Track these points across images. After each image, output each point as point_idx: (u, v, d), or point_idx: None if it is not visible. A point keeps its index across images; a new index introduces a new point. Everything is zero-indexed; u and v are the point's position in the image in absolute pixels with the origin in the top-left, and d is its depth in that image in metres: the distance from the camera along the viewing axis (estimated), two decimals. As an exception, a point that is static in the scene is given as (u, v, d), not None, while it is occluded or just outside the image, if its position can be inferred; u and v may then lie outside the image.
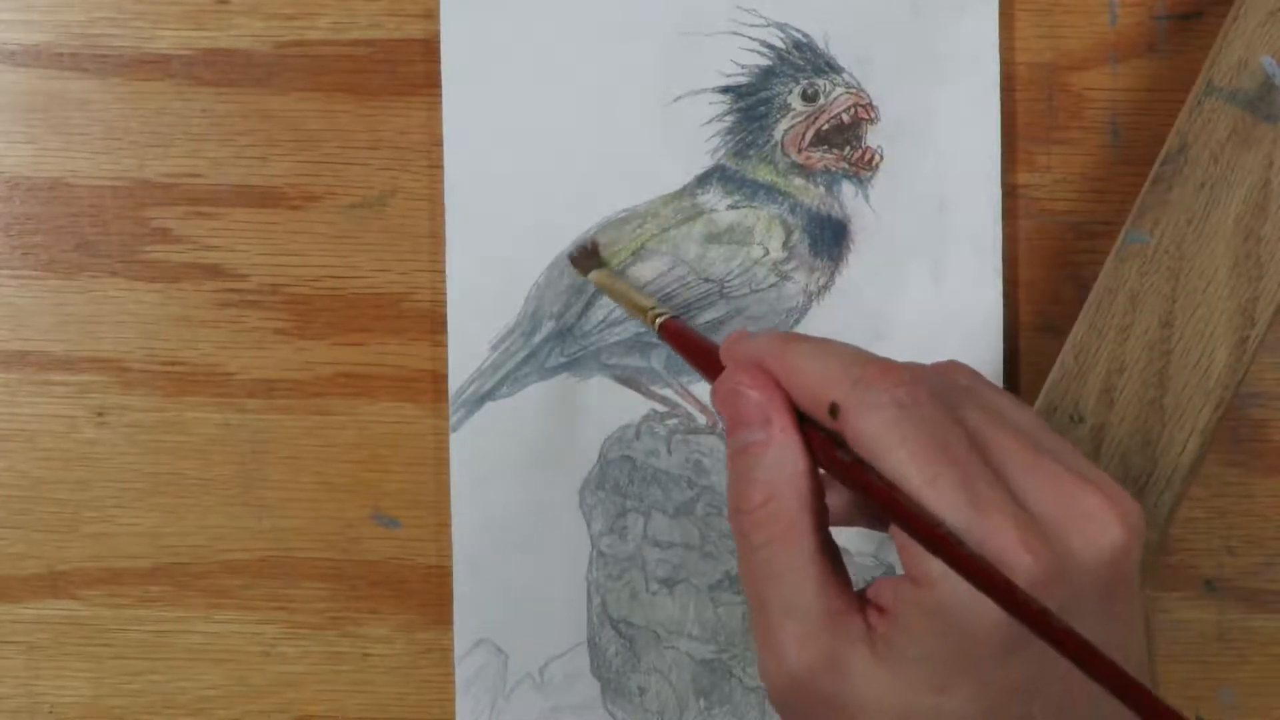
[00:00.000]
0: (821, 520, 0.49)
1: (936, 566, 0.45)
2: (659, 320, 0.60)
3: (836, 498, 0.51)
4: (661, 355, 0.66)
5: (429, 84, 0.67)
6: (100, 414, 0.68)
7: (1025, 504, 0.46)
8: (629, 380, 0.67)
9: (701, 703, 0.67)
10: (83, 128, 0.68)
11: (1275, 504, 0.67)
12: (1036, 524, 0.45)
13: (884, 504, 0.46)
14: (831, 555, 0.49)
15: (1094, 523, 0.46)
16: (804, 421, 0.49)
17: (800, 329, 0.66)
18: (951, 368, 0.51)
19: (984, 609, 0.45)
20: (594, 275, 0.65)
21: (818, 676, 0.48)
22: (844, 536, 0.66)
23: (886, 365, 0.48)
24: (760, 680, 0.50)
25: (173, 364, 0.68)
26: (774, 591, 0.49)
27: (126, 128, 0.68)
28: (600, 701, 0.67)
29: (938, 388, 0.48)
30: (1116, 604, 0.47)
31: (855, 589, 0.50)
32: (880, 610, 0.48)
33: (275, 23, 0.67)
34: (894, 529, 0.47)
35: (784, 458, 0.49)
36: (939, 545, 0.45)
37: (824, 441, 0.49)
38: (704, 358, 0.55)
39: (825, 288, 0.66)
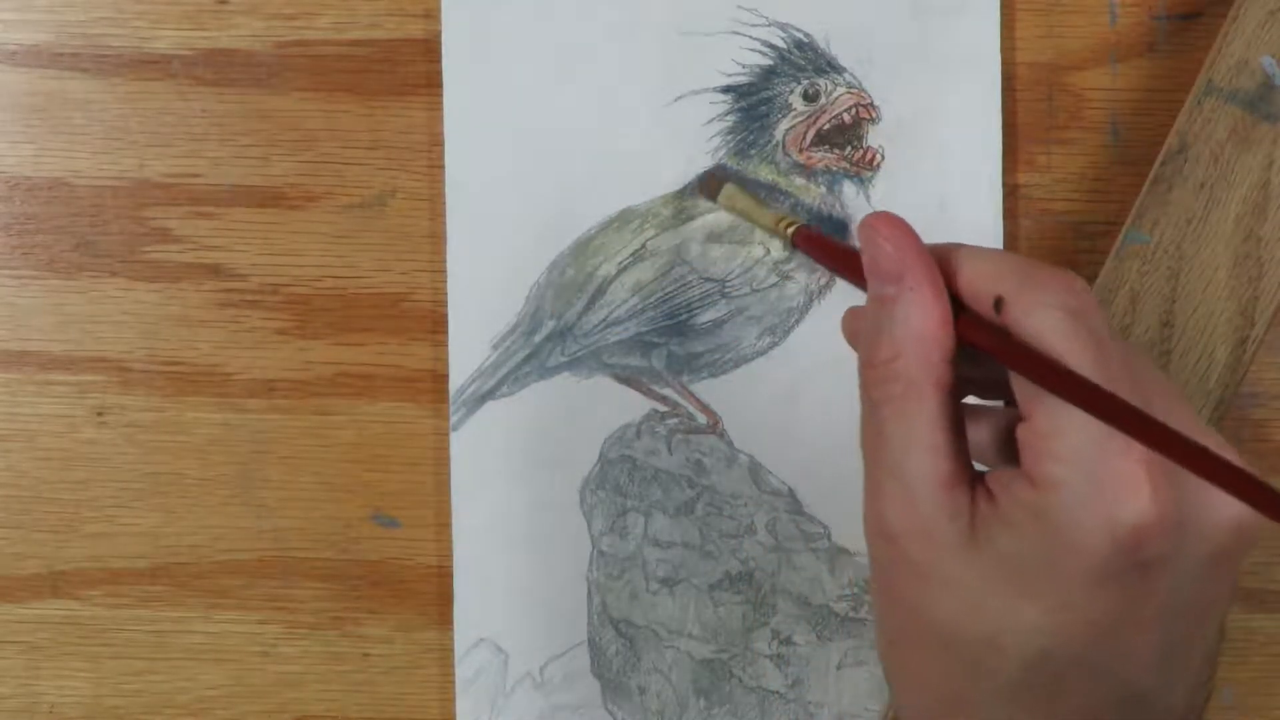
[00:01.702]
0: (947, 387, 0.48)
1: (1060, 471, 0.44)
2: (790, 231, 0.59)
3: (981, 432, 0.51)
4: (662, 354, 0.66)
5: (429, 84, 0.67)
6: (100, 414, 0.68)
7: None
8: (630, 380, 0.67)
9: (701, 702, 0.67)
10: (83, 128, 0.68)
11: (1275, 504, 0.67)
12: (1170, 467, 0.44)
13: (1048, 377, 0.45)
14: (951, 425, 0.48)
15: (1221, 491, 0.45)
16: (958, 310, 0.48)
17: (802, 329, 0.66)
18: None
19: (1096, 528, 0.44)
20: (722, 195, 0.65)
21: (911, 541, 0.47)
22: (848, 538, 0.66)
23: (1059, 272, 0.47)
24: (863, 527, 0.49)
25: (173, 364, 0.68)
26: (884, 451, 0.48)
27: (126, 128, 0.68)
28: (600, 701, 0.67)
29: (1102, 310, 0.48)
30: (1219, 572, 0.46)
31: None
32: (990, 496, 0.47)
33: (275, 23, 0.67)
34: (1020, 428, 0.46)
35: (912, 316, 0.48)
36: (1077, 393, 0.44)
37: (978, 322, 0.48)
38: (846, 261, 0.54)
39: (826, 287, 0.66)
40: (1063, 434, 0.45)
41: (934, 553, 0.47)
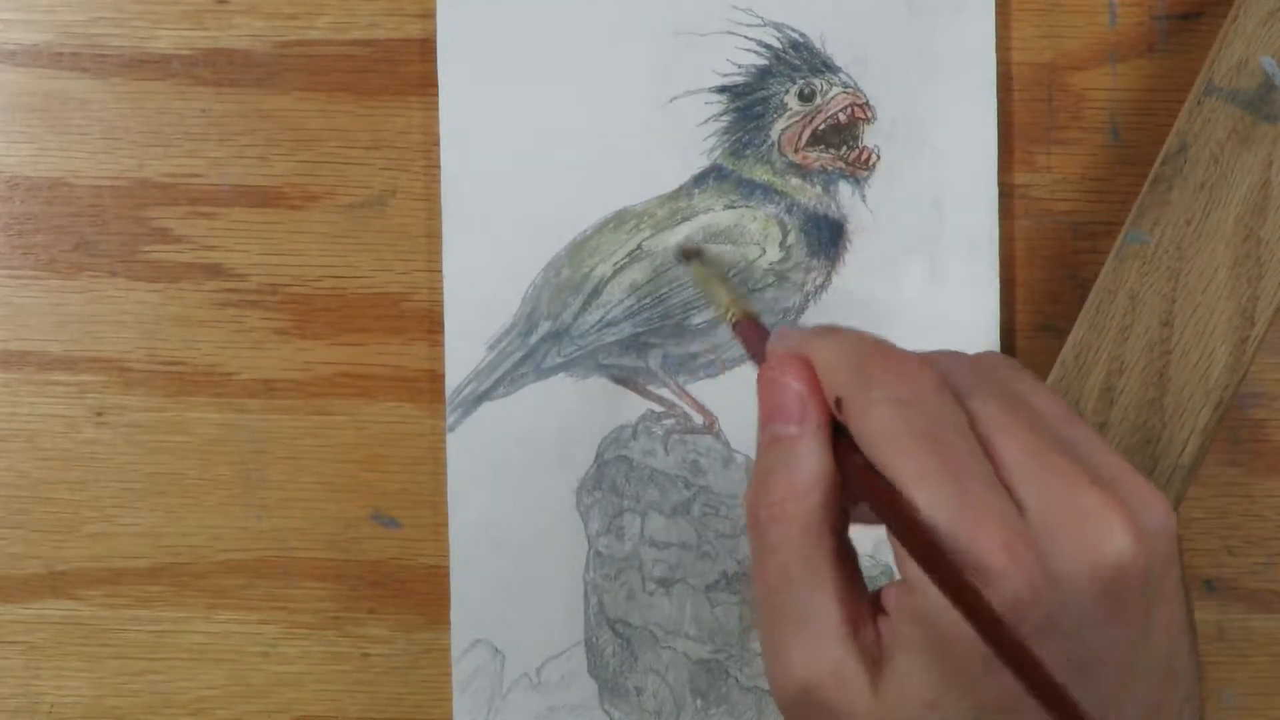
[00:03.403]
0: (841, 525, 0.48)
1: (920, 571, 0.44)
2: (733, 318, 0.59)
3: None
4: (658, 355, 0.66)
5: (428, 84, 0.67)
6: (100, 414, 0.68)
7: (1023, 503, 0.44)
8: (626, 380, 0.67)
9: (698, 703, 0.66)
10: (83, 128, 0.68)
11: (1275, 504, 0.67)
12: (1028, 529, 0.44)
13: (872, 502, 0.45)
14: (848, 561, 0.48)
15: (1090, 526, 0.44)
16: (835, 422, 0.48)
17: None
18: (983, 356, 0.49)
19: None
20: (696, 266, 0.65)
21: (824, 687, 0.46)
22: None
23: (894, 358, 0.46)
24: (768, 682, 0.49)
25: (173, 364, 0.68)
26: (785, 597, 0.47)
27: (126, 128, 0.68)
28: (597, 701, 0.67)
29: (952, 376, 0.47)
30: (1121, 612, 0.45)
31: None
32: (886, 615, 0.46)
33: (275, 23, 0.67)
34: (888, 532, 0.45)
35: (811, 456, 0.47)
36: (916, 548, 0.44)
37: (842, 442, 0.47)
38: (760, 352, 0.53)
39: (822, 288, 0.66)
40: None
41: (845, 693, 0.46)
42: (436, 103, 0.67)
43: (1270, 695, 0.67)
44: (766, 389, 0.49)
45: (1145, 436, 0.61)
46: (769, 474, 0.48)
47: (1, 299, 0.68)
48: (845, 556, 0.48)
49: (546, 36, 0.66)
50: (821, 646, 0.46)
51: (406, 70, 0.67)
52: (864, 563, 0.64)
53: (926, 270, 0.66)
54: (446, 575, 0.67)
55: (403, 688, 0.68)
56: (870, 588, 0.49)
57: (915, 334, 0.65)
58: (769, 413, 0.49)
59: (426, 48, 0.67)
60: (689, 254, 0.65)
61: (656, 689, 0.67)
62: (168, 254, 0.68)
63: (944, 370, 0.47)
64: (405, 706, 0.68)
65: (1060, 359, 0.62)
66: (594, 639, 0.67)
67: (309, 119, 0.68)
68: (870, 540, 0.64)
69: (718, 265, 0.65)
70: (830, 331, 0.49)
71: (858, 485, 0.46)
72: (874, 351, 0.47)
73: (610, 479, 0.67)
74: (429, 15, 0.67)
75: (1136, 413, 0.61)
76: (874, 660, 0.46)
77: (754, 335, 0.55)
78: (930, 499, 0.44)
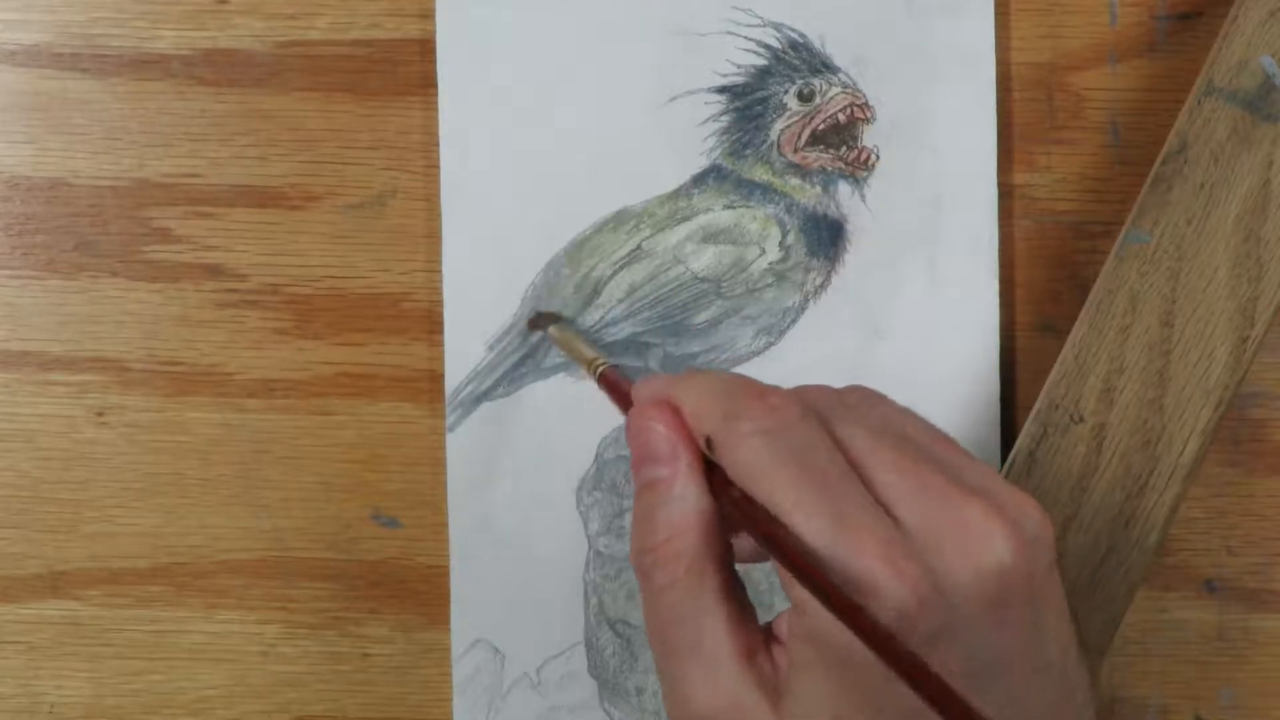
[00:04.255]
0: (725, 559, 0.48)
1: (807, 593, 0.44)
2: (599, 370, 0.59)
3: (745, 539, 0.51)
4: (658, 355, 0.66)
5: (428, 84, 0.67)
6: (100, 414, 0.68)
7: (901, 520, 0.45)
8: (626, 380, 0.67)
9: (698, 703, 0.66)
10: (83, 128, 0.68)
11: (1275, 504, 0.67)
12: (908, 542, 0.45)
13: (752, 531, 0.46)
14: (737, 594, 0.48)
15: (972, 535, 0.45)
16: (707, 459, 0.49)
17: (797, 329, 0.66)
18: (849, 390, 0.50)
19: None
20: (551, 330, 0.65)
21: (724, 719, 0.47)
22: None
23: (758, 393, 0.47)
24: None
25: (173, 364, 0.68)
26: (677, 634, 0.48)
27: (126, 128, 0.68)
28: (597, 701, 0.67)
29: (819, 407, 0.48)
30: (1011, 615, 0.46)
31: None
32: (780, 643, 0.47)
33: (275, 23, 0.68)
34: (773, 561, 0.46)
35: (687, 495, 0.48)
36: (798, 570, 0.44)
37: (718, 476, 0.48)
38: (626, 403, 0.54)
39: (822, 287, 0.66)
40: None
41: None
42: (436, 103, 0.67)
43: (1270, 695, 0.67)
44: (635, 435, 0.50)
45: (1145, 436, 0.61)
46: (648, 517, 0.49)
47: (1, 299, 0.68)
48: (732, 590, 0.48)
49: (546, 36, 0.66)
50: (718, 679, 0.47)
51: (406, 70, 0.67)
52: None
53: (926, 270, 0.66)
54: (446, 575, 0.67)
55: (403, 688, 0.68)
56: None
57: (915, 333, 0.65)
58: (640, 458, 0.49)
59: (426, 48, 0.67)
60: (541, 323, 0.66)
61: (657, 689, 0.67)
62: (168, 254, 0.68)
63: (809, 400, 0.48)
64: (405, 706, 0.68)
65: (1060, 359, 0.62)
66: (594, 639, 0.67)
67: (309, 119, 0.68)
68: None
69: (572, 326, 0.66)
70: (694, 374, 0.50)
71: (737, 517, 0.47)
72: (738, 388, 0.48)
73: (610, 478, 0.67)
74: (429, 15, 0.67)
75: (1136, 413, 0.61)
76: (773, 689, 0.47)
77: (620, 387, 0.56)
78: (808, 523, 0.44)
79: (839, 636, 0.44)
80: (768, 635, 0.48)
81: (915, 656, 0.42)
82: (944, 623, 0.44)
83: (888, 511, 0.45)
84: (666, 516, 0.48)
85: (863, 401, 0.49)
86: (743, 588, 0.49)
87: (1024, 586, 0.46)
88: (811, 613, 0.45)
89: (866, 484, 0.46)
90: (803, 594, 0.44)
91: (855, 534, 0.44)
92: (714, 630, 0.47)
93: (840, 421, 0.47)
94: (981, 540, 0.45)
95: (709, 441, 0.47)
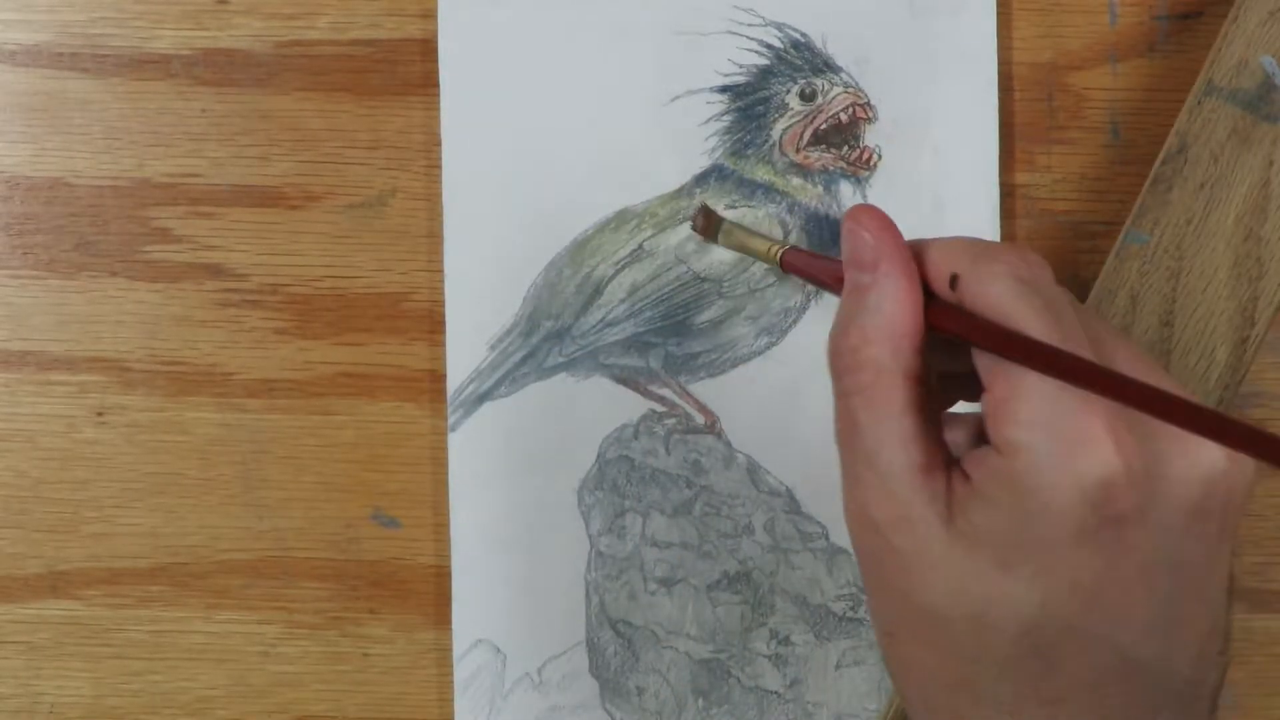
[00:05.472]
0: (916, 374, 0.48)
1: (1022, 435, 0.45)
2: (778, 256, 0.59)
3: (958, 434, 0.50)
4: (660, 355, 0.66)
5: (428, 84, 0.67)
6: (100, 414, 0.68)
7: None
8: (627, 380, 0.67)
9: (700, 703, 0.67)
10: (83, 128, 0.68)
11: (1275, 504, 0.67)
12: (1133, 421, 0.45)
13: (979, 337, 0.46)
14: (922, 411, 0.48)
15: (1192, 439, 0.45)
16: (929, 299, 0.49)
17: (798, 329, 0.66)
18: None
19: (1064, 486, 0.44)
20: (721, 236, 0.65)
21: (892, 528, 0.47)
22: (846, 538, 0.66)
23: (1011, 245, 0.48)
24: (846, 523, 0.50)
25: (173, 364, 0.68)
26: (858, 440, 0.48)
27: (126, 128, 0.68)
28: (598, 701, 0.67)
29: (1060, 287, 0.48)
30: (1203, 527, 0.46)
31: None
32: (966, 477, 0.47)
33: (275, 23, 0.67)
34: (984, 399, 0.46)
35: (883, 305, 0.48)
36: (1067, 367, 0.44)
37: (944, 309, 0.48)
38: (830, 273, 0.54)
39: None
40: (1021, 398, 0.45)
41: (916, 538, 0.47)
42: (437, 103, 0.67)
43: (1270, 695, 0.67)
44: (845, 238, 0.50)
45: (1145, 436, 0.61)
46: (845, 321, 0.49)
47: (1, 299, 0.68)
48: (919, 406, 0.48)
49: (547, 36, 0.66)
50: (891, 489, 0.47)
51: (406, 70, 0.67)
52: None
53: (927, 270, 0.66)
54: (447, 575, 0.67)
55: (403, 688, 0.68)
56: None
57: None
58: (848, 259, 0.50)
59: (426, 48, 0.67)
60: (706, 226, 0.65)
61: (658, 689, 0.67)
62: (168, 254, 0.68)
63: (1052, 274, 0.48)
64: (405, 706, 0.68)
65: (1060, 359, 0.62)
66: (595, 639, 0.67)
67: (309, 119, 0.68)
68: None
69: (737, 224, 0.65)
70: (936, 238, 0.50)
71: (967, 331, 0.47)
72: (994, 242, 0.49)
73: (611, 479, 0.67)
74: (429, 15, 0.67)
75: (1137, 412, 0.61)
76: (945, 508, 0.47)
77: (803, 259, 0.57)
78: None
79: (1040, 487, 0.44)
80: (954, 461, 0.48)
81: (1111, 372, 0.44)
82: (1140, 508, 0.44)
83: None
84: (861, 323, 0.49)
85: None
86: (936, 411, 0.49)
87: (1222, 504, 0.46)
88: (1013, 454, 0.45)
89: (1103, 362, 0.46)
90: (1011, 436, 0.45)
91: (1086, 395, 0.44)
92: (892, 441, 0.48)
93: (1087, 310, 0.48)
94: (1199, 446, 0.45)
95: (954, 278, 0.48)
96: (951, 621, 0.47)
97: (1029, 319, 0.45)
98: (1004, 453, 0.45)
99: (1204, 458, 0.45)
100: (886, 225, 0.50)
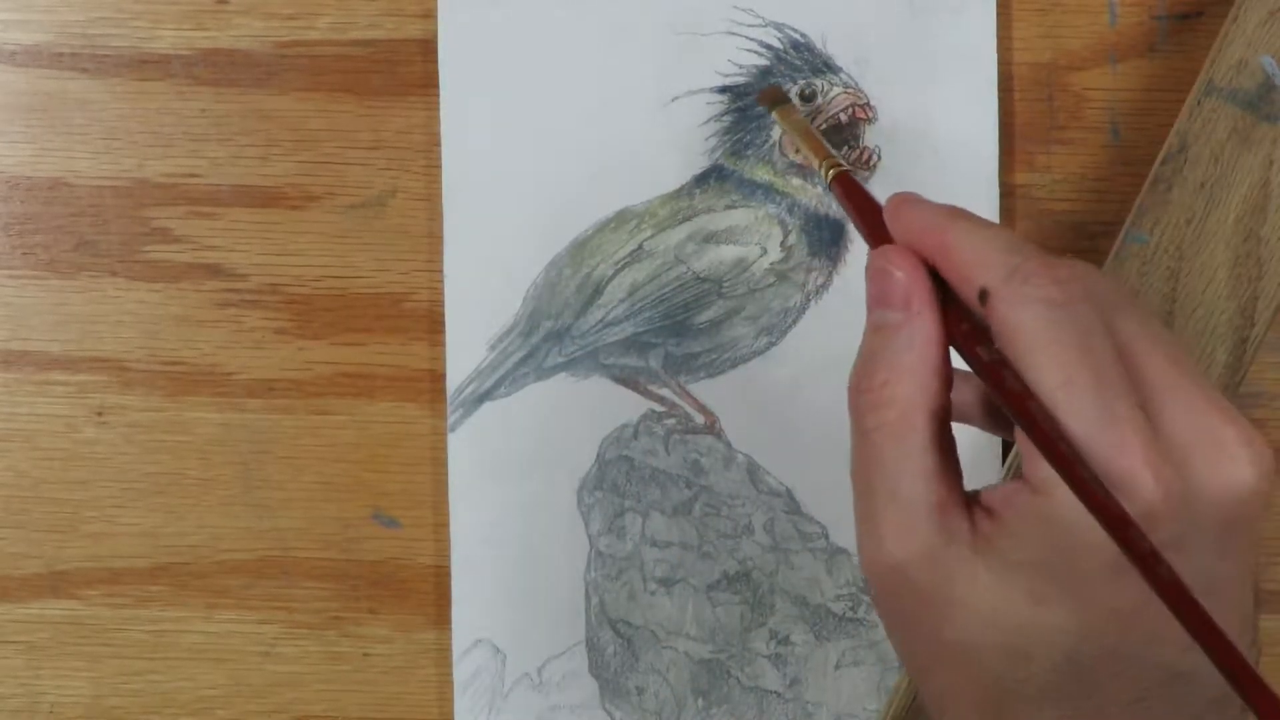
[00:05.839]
0: (940, 413, 0.48)
1: (1051, 475, 0.44)
2: (832, 173, 0.57)
3: (965, 393, 0.50)
4: (659, 355, 0.66)
5: (428, 84, 0.67)
6: (100, 414, 0.68)
7: (1160, 425, 0.45)
8: (627, 380, 0.67)
9: (699, 702, 0.67)
10: (83, 128, 0.68)
11: (1275, 504, 0.67)
12: (1167, 447, 0.44)
13: (1010, 404, 0.45)
14: (945, 450, 0.48)
15: (1226, 455, 0.45)
16: (950, 309, 0.48)
17: (798, 329, 0.66)
18: (1119, 277, 0.50)
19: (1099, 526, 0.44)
20: (777, 112, 0.64)
21: (915, 567, 0.47)
22: (846, 538, 0.66)
23: (1047, 260, 0.46)
24: (861, 565, 0.49)
25: (173, 364, 0.68)
26: (879, 477, 0.48)
27: (126, 128, 0.68)
28: (598, 701, 0.67)
29: (1098, 291, 0.47)
30: (1234, 543, 0.46)
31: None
32: (989, 513, 0.47)
33: (275, 23, 0.67)
34: (1018, 431, 0.46)
35: (914, 343, 0.48)
36: (1057, 458, 0.44)
37: (967, 332, 0.47)
38: (870, 220, 0.53)
39: (823, 287, 0.66)
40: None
41: (937, 576, 0.47)
42: (437, 103, 0.67)
43: (1270, 695, 0.67)
44: (875, 276, 0.50)
45: (1145, 436, 0.61)
46: (871, 359, 0.49)
47: (1, 299, 0.68)
48: (941, 444, 0.48)
49: (547, 36, 0.66)
50: (912, 526, 0.47)
51: (406, 70, 0.67)
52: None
53: (927, 270, 0.66)
54: (447, 575, 0.67)
55: (403, 688, 0.68)
56: None
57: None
58: (875, 298, 0.49)
59: (427, 48, 0.67)
60: (771, 96, 0.65)
61: (658, 689, 0.67)
62: (168, 254, 0.68)
63: (1091, 283, 0.47)
64: (405, 706, 0.68)
65: (1060, 359, 0.62)
66: (595, 639, 0.67)
67: (309, 119, 0.68)
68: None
69: (803, 116, 0.64)
70: (968, 218, 0.49)
71: (988, 381, 0.47)
72: (1024, 249, 0.47)
73: (611, 479, 0.67)
74: (429, 15, 0.67)
75: (1137, 412, 0.61)
76: (967, 548, 0.47)
77: (860, 197, 0.55)
78: (1074, 405, 0.44)
79: (1076, 525, 0.44)
80: (972, 501, 0.48)
81: (1159, 555, 0.42)
82: (1180, 534, 0.44)
83: (1145, 408, 0.45)
84: (887, 361, 0.48)
85: (1131, 296, 0.49)
86: (953, 445, 0.49)
87: (1249, 519, 0.46)
88: (1047, 493, 0.45)
89: (1132, 378, 0.45)
90: (1046, 474, 0.44)
91: (1120, 429, 0.44)
92: (914, 479, 0.47)
93: (1116, 311, 0.47)
94: (1234, 464, 0.45)
95: (983, 293, 0.47)
96: (982, 655, 0.47)
97: (1052, 357, 0.45)
98: (1039, 490, 0.45)
99: (1235, 478, 0.45)
100: (917, 264, 0.49)
